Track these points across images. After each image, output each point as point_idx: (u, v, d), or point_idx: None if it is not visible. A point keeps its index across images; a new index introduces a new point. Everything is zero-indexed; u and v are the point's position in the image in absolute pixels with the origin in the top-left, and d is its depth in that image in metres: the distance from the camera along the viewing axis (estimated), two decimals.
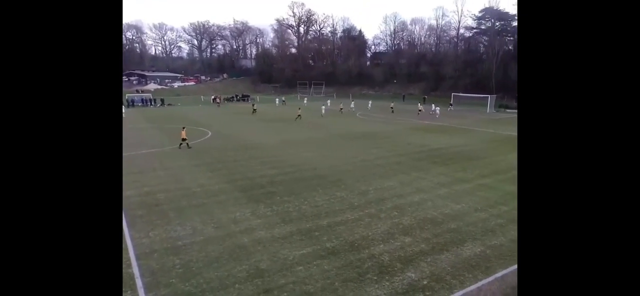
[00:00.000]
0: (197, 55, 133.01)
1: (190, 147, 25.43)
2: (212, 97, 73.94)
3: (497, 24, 78.46)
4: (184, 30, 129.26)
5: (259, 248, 10.86)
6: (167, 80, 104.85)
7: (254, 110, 52.35)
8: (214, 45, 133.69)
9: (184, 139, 25.46)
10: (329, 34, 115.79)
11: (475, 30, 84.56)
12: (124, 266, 9.60)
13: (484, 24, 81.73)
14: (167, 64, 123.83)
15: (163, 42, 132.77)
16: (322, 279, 9.25)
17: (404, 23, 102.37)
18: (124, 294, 8.49)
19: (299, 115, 43.34)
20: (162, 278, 9.22)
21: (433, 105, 51.66)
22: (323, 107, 52.26)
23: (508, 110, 53.82)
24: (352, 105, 58.67)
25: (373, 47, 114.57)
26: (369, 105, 59.30)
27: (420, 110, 52.08)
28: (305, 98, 74.33)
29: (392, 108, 52.82)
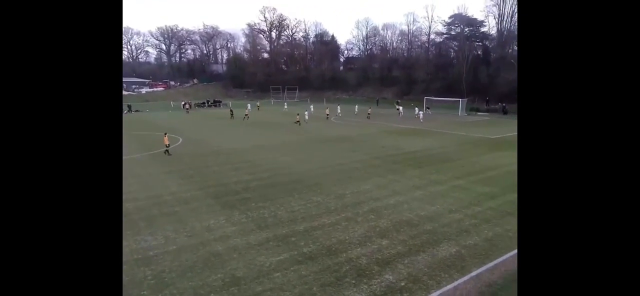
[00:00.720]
0: (165, 60, 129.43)
1: (169, 154, 24.95)
2: (182, 102, 71.99)
3: (466, 29, 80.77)
4: (152, 35, 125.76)
5: (234, 255, 10.60)
6: (134, 86, 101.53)
7: (246, 115, 48.46)
8: (184, 50, 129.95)
9: (167, 146, 25.15)
10: (302, 39, 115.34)
11: (445, 36, 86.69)
12: None
13: (454, 29, 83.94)
14: (134, 68, 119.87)
15: (129, 47, 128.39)
16: (300, 285, 9.12)
17: (375, 28, 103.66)
18: None
19: (298, 121, 41.72)
20: (133, 290, 8.82)
21: (416, 108, 49.78)
22: (306, 112, 47.90)
23: (479, 113, 55.29)
24: (338, 111, 53.88)
25: (346, 51, 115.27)
26: (356, 110, 56.95)
27: (399, 110, 51.07)
28: (286, 104, 72.21)
29: (369, 114, 50.15)
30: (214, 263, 10.15)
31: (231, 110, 54.03)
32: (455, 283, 9.27)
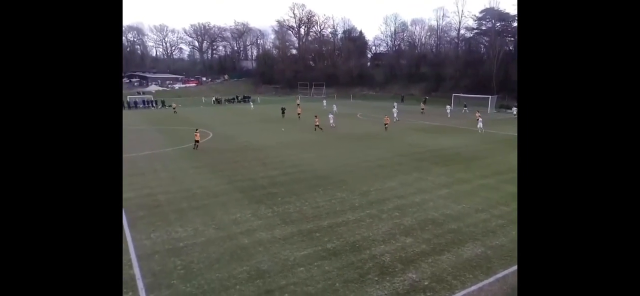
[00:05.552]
0: (198, 57, 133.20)
1: (195, 148, 25.88)
2: (213, 97, 73.91)
3: (498, 24, 78.02)
4: (185, 32, 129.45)
5: (259, 249, 10.86)
6: (168, 82, 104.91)
7: (297, 114, 44.39)
8: (215, 47, 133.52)
9: (196, 141, 26.21)
10: (330, 35, 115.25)
11: (475, 31, 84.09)
12: (125, 267, 9.60)
13: (485, 24, 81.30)
14: (168, 65, 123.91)
15: (164, 44, 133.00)
16: (323, 280, 9.24)
17: (404, 24, 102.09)
18: (124, 295, 8.50)
19: (387, 124, 35.72)
20: (163, 279, 9.23)
21: (466, 108, 43.92)
22: (331, 116, 39.76)
23: (509, 111, 53.50)
24: (395, 116, 43.72)
25: (373, 47, 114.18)
26: (395, 110, 48.99)
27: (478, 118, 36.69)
28: (334, 106, 64.35)
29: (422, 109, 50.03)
30: (240, 256, 10.44)
31: (283, 109, 48.38)
32: (480, 284, 9.16)
